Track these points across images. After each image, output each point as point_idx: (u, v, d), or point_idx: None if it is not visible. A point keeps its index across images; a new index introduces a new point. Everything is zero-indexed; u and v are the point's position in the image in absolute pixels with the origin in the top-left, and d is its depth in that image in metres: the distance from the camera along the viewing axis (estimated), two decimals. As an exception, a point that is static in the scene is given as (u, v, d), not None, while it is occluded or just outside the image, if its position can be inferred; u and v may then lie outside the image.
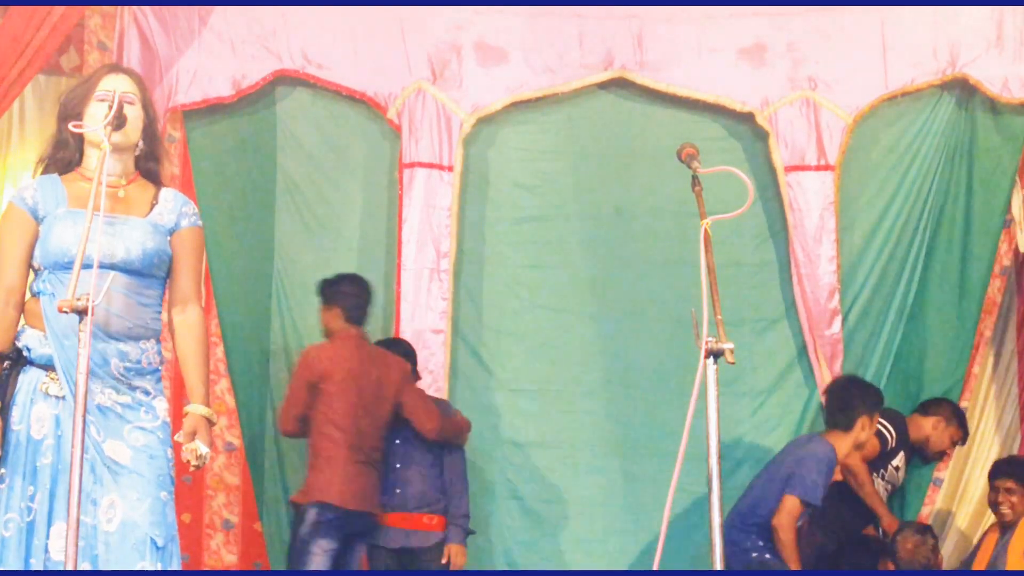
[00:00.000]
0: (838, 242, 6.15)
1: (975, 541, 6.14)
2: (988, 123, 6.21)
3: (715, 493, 3.27)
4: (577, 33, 6.25)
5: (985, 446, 6.36)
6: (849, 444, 5.58)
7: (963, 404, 6.24)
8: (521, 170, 6.33)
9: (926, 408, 6.11)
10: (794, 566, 5.32)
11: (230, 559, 6.09)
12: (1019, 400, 6.33)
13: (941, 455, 6.17)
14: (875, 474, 5.93)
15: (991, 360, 6.37)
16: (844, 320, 6.18)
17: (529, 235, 6.30)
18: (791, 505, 5.36)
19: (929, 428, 6.05)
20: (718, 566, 3.31)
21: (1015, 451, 6.26)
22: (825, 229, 6.14)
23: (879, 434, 5.84)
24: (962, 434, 6.13)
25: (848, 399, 5.63)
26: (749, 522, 5.45)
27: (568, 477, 6.19)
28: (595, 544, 6.14)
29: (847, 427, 5.58)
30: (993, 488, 5.87)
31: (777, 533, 5.35)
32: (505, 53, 6.24)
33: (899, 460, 6.00)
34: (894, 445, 5.91)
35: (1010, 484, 5.80)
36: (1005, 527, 5.84)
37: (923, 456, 6.16)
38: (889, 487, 6.03)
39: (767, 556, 5.40)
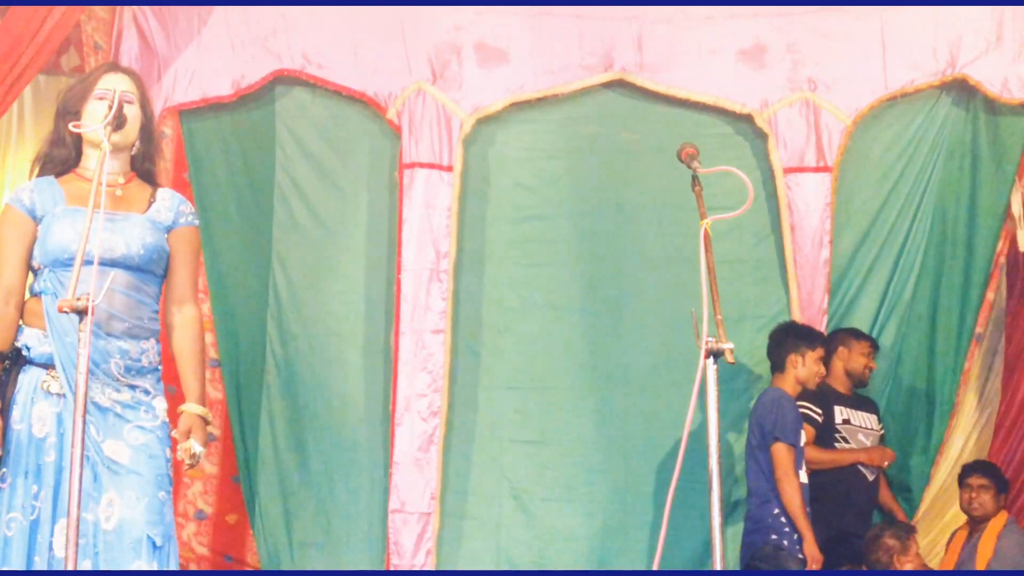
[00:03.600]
0: (831, 243, 6.15)
1: (944, 541, 6.21)
2: (988, 124, 6.21)
3: (715, 493, 3.27)
4: (577, 34, 6.25)
5: (975, 443, 6.39)
6: (791, 383, 5.75)
7: (956, 401, 6.29)
8: (521, 170, 6.33)
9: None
10: (800, 521, 5.45)
11: (201, 551, 6.09)
12: (999, 399, 6.35)
13: (866, 375, 6.13)
14: (835, 445, 5.97)
15: (982, 358, 6.40)
16: (830, 321, 6.17)
17: (529, 234, 6.30)
18: (780, 452, 5.53)
19: (840, 365, 6.06)
20: (718, 566, 3.31)
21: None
22: (823, 231, 6.15)
23: (807, 417, 5.89)
24: (868, 344, 6.13)
25: (776, 341, 5.85)
26: (770, 487, 5.55)
27: (568, 475, 6.18)
28: (594, 542, 6.14)
29: (780, 368, 5.80)
30: (966, 487, 6.01)
31: (780, 485, 5.50)
32: (505, 54, 6.24)
33: (842, 415, 6.04)
34: (821, 411, 5.95)
35: (983, 481, 5.97)
36: (974, 525, 6.00)
37: (858, 387, 6.16)
38: (863, 440, 6.05)
39: (784, 543, 5.49)
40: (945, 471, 6.37)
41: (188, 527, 6.05)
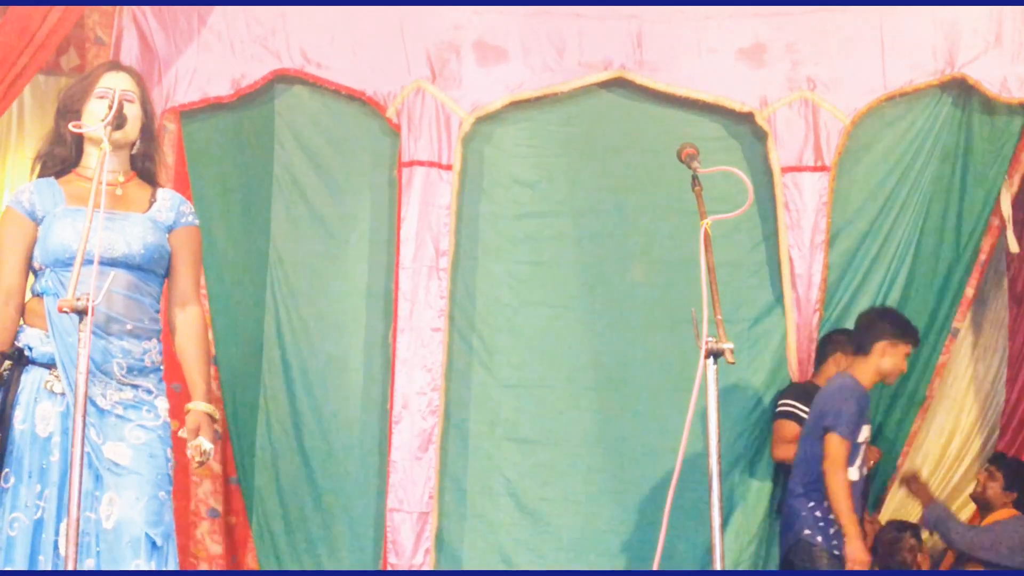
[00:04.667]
0: (827, 243, 6.15)
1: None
2: (986, 123, 6.20)
3: (715, 493, 3.28)
4: (576, 33, 6.25)
5: (966, 441, 6.41)
6: (871, 372, 5.36)
7: (928, 395, 6.29)
8: (520, 168, 6.33)
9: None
10: (845, 519, 5.11)
11: (215, 549, 6.08)
12: (1005, 402, 6.35)
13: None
14: None
15: (969, 354, 6.40)
16: (826, 321, 6.16)
17: (528, 232, 6.30)
18: (832, 444, 5.16)
19: (833, 368, 5.76)
20: (718, 565, 3.32)
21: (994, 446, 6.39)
22: (819, 230, 6.15)
23: (793, 415, 5.79)
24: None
25: (868, 323, 5.47)
26: (806, 481, 5.30)
27: (565, 474, 6.18)
28: (592, 542, 6.14)
29: (865, 351, 5.38)
30: (983, 468, 6.14)
31: (827, 478, 5.15)
32: (504, 52, 6.24)
33: None
34: (807, 409, 5.74)
35: (993, 469, 6.06)
36: (982, 513, 6.07)
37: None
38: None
39: (818, 539, 5.23)
40: (951, 472, 6.40)
41: (202, 525, 6.04)
